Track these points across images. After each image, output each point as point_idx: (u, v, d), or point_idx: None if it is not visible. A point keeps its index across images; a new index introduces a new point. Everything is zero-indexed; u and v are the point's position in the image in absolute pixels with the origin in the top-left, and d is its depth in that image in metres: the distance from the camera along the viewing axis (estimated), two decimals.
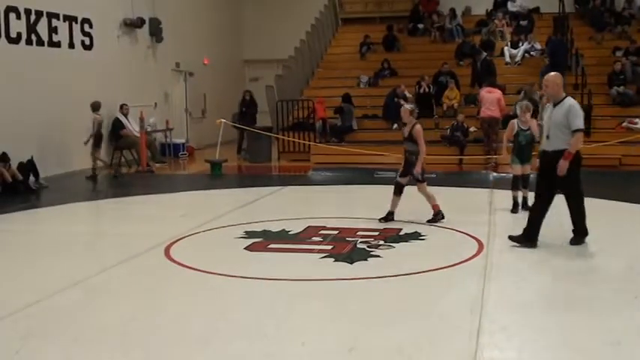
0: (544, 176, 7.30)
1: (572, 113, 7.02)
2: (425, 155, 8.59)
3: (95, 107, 13.78)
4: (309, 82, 19.65)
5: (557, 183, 7.20)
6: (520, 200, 9.34)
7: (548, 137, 7.18)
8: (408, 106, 8.88)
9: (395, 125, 15.58)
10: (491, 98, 14.94)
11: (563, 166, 6.99)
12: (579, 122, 7.01)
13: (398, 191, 8.67)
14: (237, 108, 18.23)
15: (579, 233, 7.39)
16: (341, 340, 4.66)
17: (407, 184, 8.69)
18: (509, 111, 14.37)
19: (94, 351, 4.61)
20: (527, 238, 7.29)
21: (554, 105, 7.15)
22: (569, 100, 7.13)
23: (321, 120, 16.58)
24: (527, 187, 9.18)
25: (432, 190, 8.82)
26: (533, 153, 9.03)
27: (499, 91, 15.31)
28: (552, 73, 7.42)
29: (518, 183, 9.33)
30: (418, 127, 8.61)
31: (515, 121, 9.44)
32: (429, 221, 8.56)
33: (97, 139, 13.75)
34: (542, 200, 7.31)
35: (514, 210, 9.29)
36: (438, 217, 8.62)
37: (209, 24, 21.05)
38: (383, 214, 8.70)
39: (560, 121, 7.05)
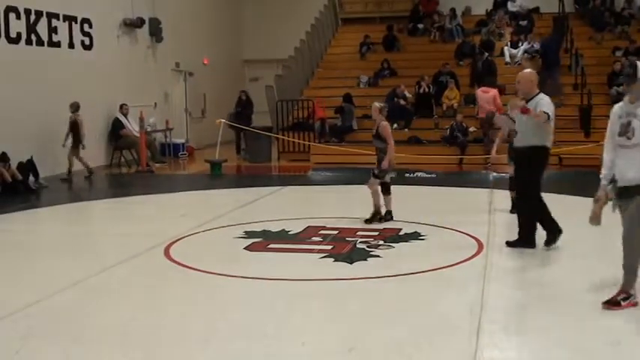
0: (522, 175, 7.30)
1: (541, 104, 6.92)
2: (394, 153, 8.65)
3: (75, 108, 13.55)
4: (309, 82, 19.65)
5: (518, 179, 7.17)
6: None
7: (518, 133, 7.18)
8: (377, 104, 8.83)
9: (395, 125, 15.58)
10: (486, 97, 15.22)
11: (523, 110, 6.87)
12: (546, 108, 6.86)
13: (386, 190, 8.72)
14: (233, 108, 18.21)
15: (525, 236, 7.19)
16: (341, 340, 4.66)
17: (390, 181, 8.77)
18: (506, 110, 14.44)
19: (94, 351, 4.61)
20: (526, 240, 7.23)
21: (527, 102, 7.13)
22: (541, 96, 7.06)
23: (320, 120, 16.57)
24: None
25: (431, 189, 8.81)
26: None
27: (494, 90, 15.57)
28: (527, 70, 7.42)
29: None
30: (384, 124, 8.61)
31: (505, 117, 9.30)
32: (366, 221, 8.57)
33: (75, 139, 13.55)
34: (523, 199, 7.25)
35: (513, 210, 9.05)
36: (375, 218, 8.62)
37: (209, 24, 21.05)
38: (382, 215, 8.71)
39: (527, 119, 7.02)
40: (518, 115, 7.17)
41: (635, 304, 5.23)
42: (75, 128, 13.43)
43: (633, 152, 5.22)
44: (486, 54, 17.81)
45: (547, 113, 6.82)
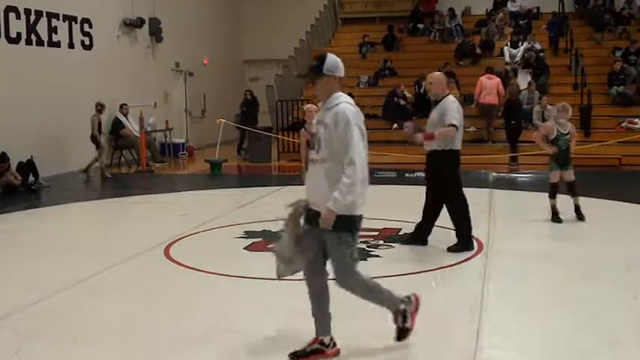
0: (427, 177, 7.37)
1: (447, 110, 6.98)
2: None
3: (99, 108, 13.87)
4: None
5: (437, 184, 7.22)
6: (572, 207, 8.62)
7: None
8: (312, 106, 8.79)
9: (395, 125, 15.59)
10: (490, 84, 15.46)
11: (418, 136, 7.07)
12: (452, 119, 6.94)
13: None
14: (239, 108, 18.18)
15: (462, 237, 7.20)
16: (341, 340, 4.66)
17: None
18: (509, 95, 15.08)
19: (94, 351, 4.61)
20: (417, 238, 7.36)
21: (436, 104, 7.17)
22: (449, 99, 7.11)
23: None
24: (575, 193, 8.63)
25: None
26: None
27: (498, 78, 15.70)
28: (437, 73, 7.51)
29: (556, 191, 8.61)
30: None
31: (552, 123, 8.78)
32: None
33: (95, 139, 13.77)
34: (448, 204, 7.28)
35: (555, 219, 8.56)
36: None
37: (209, 24, 21.04)
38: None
39: (436, 121, 7.07)
40: (430, 120, 7.22)
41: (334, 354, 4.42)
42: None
43: (318, 169, 4.28)
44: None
45: (454, 125, 6.93)
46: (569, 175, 8.62)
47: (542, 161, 14.06)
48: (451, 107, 7.01)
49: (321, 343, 4.37)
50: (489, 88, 15.55)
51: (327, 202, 4.10)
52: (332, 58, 4.29)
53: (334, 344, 4.41)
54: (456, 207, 7.21)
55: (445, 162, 7.13)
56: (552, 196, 8.64)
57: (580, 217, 8.56)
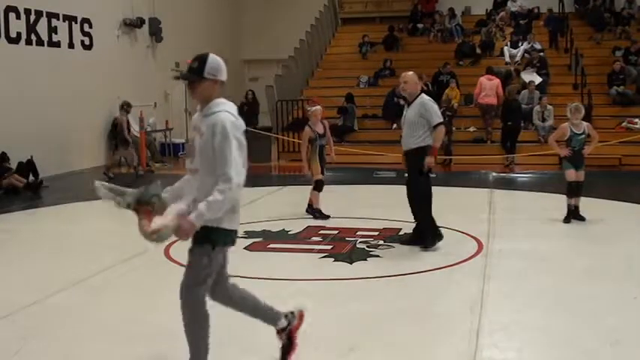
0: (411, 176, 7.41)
1: (427, 110, 7.06)
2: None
3: (124, 106, 14.01)
4: (309, 82, 19.65)
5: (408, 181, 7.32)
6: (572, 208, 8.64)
7: (403, 136, 7.29)
8: (320, 107, 9.19)
9: (394, 125, 15.57)
10: (490, 85, 15.64)
11: (429, 162, 7.08)
12: (437, 117, 7.06)
13: (322, 189, 9.13)
14: (239, 107, 18.11)
15: (423, 235, 7.27)
16: (341, 340, 4.66)
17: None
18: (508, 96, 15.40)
19: (94, 351, 4.61)
20: (417, 238, 7.35)
21: (409, 104, 7.20)
22: (423, 98, 7.18)
23: None
24: (580, 194, 8.62)
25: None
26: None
27: (498, 79, 15.95)
28: (410, 72, 7.54)
29: (572, 189, 8.59)
30: (327, 122, 9.27)
31: (567, 124, 8.67)
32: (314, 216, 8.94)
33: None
34: (414, 198, 7.34)
35: (568, 219, 8.54)
36: (313, 212, 8.99)
37: (209, 24, 21.04)
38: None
39: (413, 119, 7.11)
40: (404, 117, 7.30)
41: None
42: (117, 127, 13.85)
43: (193, 179, 4.00)
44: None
45: (441, 123, 7.10)
46: (580, 175, 8.62)
47: (539, 161, 14.13)
48: (428, 106, 7.11)
49: (281, 330, 4.24)
50: (488, 89, 15.71)
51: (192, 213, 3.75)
52: (214, 60, 3.86)
53: (292, 315, 4.25)
54: (421, 199, 7.27)
55: (421, 159, 7.19)
56: (570, 195, 8.59)
57: (579, 217, 8.56)
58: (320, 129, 9.04)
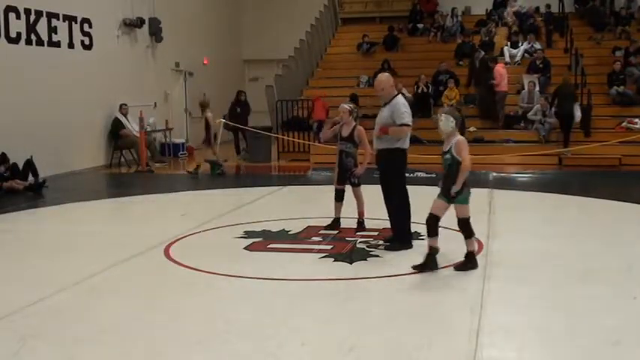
0: (382, 177, 7.40)
1: (397, 110, 7.06)
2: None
3: (204, 105, 13.98)
4: (309, 81, 19.65)
5: (382, 181, 7.31)
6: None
7: (375, 137, 7.28)
8: (347, 106, 8.27)
9: None
10: (505, 73, 16.41)
11: (383, 130, 7.06)
12: (405, 119, 7.04)
13: (340, 198, 8.34)
14: (230, 107, 17.69)
15: (397, 238, 7.27)
16: (341, 340, 4.66)
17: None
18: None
19: (94, 351, 4.61)
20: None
21: (387, 103, 7.23)
22: (397, 99, 7.20)
23: (318, 122, 16.38)
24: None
25: (431, 189, 8.80)
26: None
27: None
28: (385, 74, 7.52)
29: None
30: (360, 128, 8.18)
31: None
32: (357, 231, 8.11)
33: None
34: (391, 201, 7.32)
35: None
36: (364, 224, 8.24)
37: (209, 24, 21.05)
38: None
39: (385, 121, 7.14)
40: (378, 117, 7.27)
41: None
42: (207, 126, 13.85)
43: None
44: (482, 52, 17.90)
45: (407, 124, 7.04)
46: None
47: (539, 161, 14.11)
48: (399, 106, 7.13)
49: None
50: (506, 77, 16.41)
51: None
52: None
53: None
54: (397, 206, 7.26)
55: (392, 161, 7.21)
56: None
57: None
58: (345, 131, 8.23)
